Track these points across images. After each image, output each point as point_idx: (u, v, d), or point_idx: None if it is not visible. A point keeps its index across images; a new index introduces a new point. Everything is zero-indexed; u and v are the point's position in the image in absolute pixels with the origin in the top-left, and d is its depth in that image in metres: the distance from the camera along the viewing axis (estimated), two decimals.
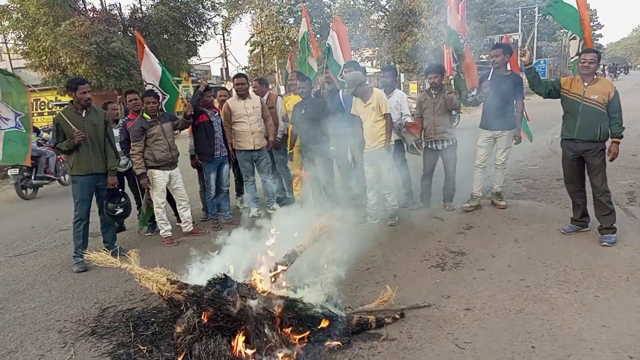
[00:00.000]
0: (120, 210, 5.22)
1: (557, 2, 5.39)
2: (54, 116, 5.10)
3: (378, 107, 5.33)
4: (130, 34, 17.95)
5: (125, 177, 5.95)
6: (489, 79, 5.59)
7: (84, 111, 4.89)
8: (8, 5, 16.32)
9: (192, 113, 5.62)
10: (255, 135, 6.06)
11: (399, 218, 5.65)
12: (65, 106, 5.02)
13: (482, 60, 26.06)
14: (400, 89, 6.67)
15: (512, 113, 5.70)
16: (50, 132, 5.17)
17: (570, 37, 5.67)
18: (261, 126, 6.13)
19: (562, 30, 52.96)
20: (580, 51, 5.42)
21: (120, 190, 5.33)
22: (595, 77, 4.53)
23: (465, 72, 6.48)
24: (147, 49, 6.11)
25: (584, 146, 4.60)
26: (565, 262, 4.21)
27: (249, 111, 6.02)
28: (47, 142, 10.31)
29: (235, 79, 6.28)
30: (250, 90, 6.41)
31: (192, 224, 5.87)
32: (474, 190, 5.98)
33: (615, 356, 2.81)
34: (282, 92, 24.07)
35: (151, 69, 6.08)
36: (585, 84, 4.53)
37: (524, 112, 5.88)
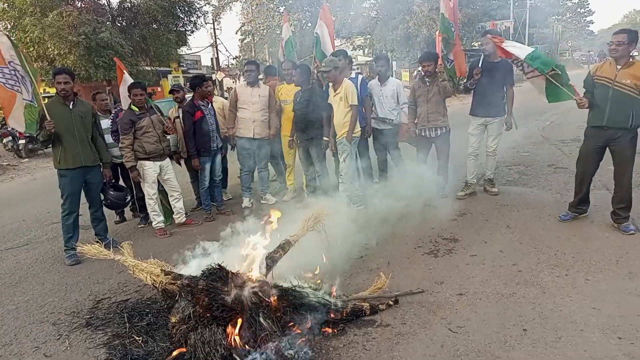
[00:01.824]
0: (124, 199, 5.54)
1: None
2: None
3: (345, 98, 5.36)
4: (119, 24, 17.69)
5: (119, 167, 5.89)
6: (479, 65, 5.58)
7: (71, 103, 4.82)
8: None
9: (173, 133, 5.69)
10: (256, 123, 6.03)
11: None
12: (52, 98, 4.95)
13: (474, 48, 26.02)
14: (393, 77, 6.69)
15: (502, 100, 5.72)
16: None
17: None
18: (264, 116, 6.11)
19: (553, 17, 53.02)
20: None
21: (113, 181, 5.39)
22: (630, 60, 4.20)
23: (454, 59, 6.47)
24: (126, 74, 6.01)
25: (613, 133, 4.35)
26: (557, 246, 4.26)
27: (254, 99, 6.01)
28: None
29: (245, 66, 6.34)
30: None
31: (184, 215, 5.85)
32: (468, 178, 6.01)
33: (605, 337, 2.86)
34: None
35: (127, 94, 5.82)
36: (618, 67, 4.23)
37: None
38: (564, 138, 9.07)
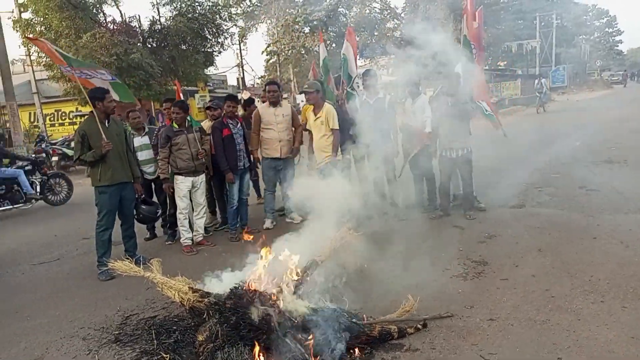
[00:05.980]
0: (155, 213, 5.76)
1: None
2: (77, 127, 5.28)
3: (326, 121, 5.38)
4: (150, 45, 18.23)
5: (152, 183, 6.08)
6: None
7: (107, 122, 4.99)
8: (32, 19, 16.77)
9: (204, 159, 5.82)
10: (282, 143, 6.06)
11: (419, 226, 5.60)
12: (87, 117, 5.11)
13: (500, 67, 25.86)
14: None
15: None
16: (73, 144, 5.33)
17: None
18: (289, 135, 6.15)
19: (581, 37, 52.37)
20: None
21: (143, 196, 5.58)
22: None
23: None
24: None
25: None
26: (590, 271, 4.12)
27: (278, 119, 6.05)
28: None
29: (267, 86, 6.38)
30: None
31: (202, 235, 5.89)
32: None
33: None
34: (299, 100, 24.14)
35: None
36: None
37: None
38: (595, 159, 8.87)
